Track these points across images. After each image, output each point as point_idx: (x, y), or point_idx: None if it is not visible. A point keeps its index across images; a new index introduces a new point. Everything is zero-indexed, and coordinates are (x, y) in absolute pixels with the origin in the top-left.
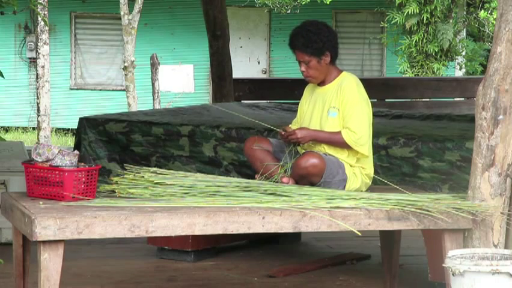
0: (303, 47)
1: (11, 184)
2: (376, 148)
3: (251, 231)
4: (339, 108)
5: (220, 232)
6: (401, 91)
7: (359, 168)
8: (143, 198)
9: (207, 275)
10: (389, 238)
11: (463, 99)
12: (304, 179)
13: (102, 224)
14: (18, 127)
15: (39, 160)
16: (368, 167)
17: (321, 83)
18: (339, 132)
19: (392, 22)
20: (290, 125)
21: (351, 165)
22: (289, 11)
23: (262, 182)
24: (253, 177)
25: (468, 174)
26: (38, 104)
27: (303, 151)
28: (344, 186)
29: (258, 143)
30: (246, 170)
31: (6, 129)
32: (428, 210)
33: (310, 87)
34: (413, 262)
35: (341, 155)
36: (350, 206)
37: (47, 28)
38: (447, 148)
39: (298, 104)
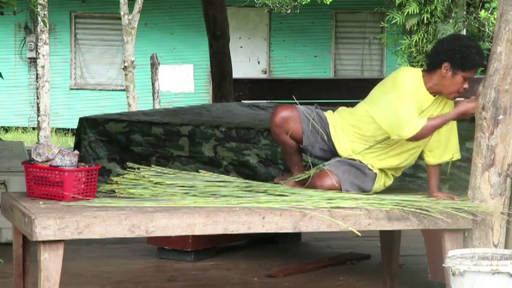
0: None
1: (11, 184)
2: None
3: (251, 231)
4: None
5: (220, 232)
6: None
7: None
8: (143, 198)
9: (207, 275)
10: (389, 238)
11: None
12: None
13: (102, 224)
14: (18, 127)
15: (39, 160)
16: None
17: (436, 92)
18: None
19: (392, 22)
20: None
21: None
22: (289, 11)
23: (263, 183)
24: (252, 178)
25: (468, 174)
26: (38, 104)
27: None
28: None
29: (291, 128)
30: (246, 170)
31: (6, 129)
32: (428, 210)
33: (421, 89)
34: (413, 262)
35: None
36: (350, 206)
37: (47, 28)
38: None
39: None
